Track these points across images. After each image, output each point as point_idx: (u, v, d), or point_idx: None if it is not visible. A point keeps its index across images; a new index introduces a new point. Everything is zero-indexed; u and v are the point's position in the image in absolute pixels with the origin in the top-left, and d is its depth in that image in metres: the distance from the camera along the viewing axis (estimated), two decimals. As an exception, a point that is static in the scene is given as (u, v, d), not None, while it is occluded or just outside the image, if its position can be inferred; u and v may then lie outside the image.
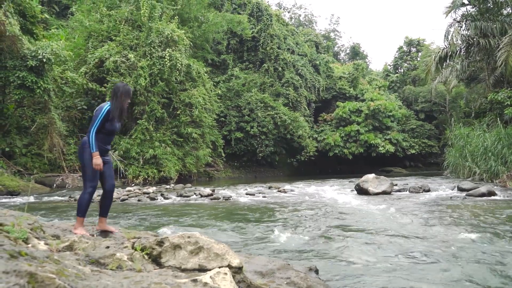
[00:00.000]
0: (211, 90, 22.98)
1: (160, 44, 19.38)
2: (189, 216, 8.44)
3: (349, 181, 17.29)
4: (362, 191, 12.76)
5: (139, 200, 11.80)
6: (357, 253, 5.00)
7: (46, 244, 3.05)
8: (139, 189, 13.94)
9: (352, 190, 13.67)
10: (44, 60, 14.79)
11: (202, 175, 23.13)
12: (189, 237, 3.27)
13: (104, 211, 4.22)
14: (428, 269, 4.28)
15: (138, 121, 18.70)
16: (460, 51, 21.27)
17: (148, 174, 17.83)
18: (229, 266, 3.12)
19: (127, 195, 12.55)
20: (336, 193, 13.42)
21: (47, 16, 20.67)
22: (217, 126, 24.87)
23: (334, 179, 18.97)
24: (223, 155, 24.54)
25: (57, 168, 16.81)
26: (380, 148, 31.95)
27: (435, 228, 6.56)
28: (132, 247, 3.36)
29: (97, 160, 4.00)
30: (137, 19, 20.10)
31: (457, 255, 4.78)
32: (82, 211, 4.00)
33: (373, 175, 13.31)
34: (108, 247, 3.25)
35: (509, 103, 16.15)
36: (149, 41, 19.21)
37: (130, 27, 20.21)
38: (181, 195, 12.71)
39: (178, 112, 19.98)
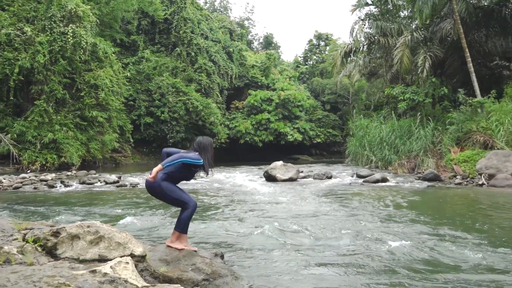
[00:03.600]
0: (119, 72, 21.92)
1: (62, 18, 17.84)
2: (92, 205, 8.04)
3: (259, 168, 17.77)
4: (270, 178, 13.26)
5: (35, 188, 10.91)
6: (263, 239, 5.19)
7: None
8: (36, 176, 12.86)
9: (260, 177, 14.12)
10: None
11: (108, 161, 22.13)
12: (88, 226, 3.13)
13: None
14: (326, 250, 4.60)
15: (35, 102, 17.13)
16: (363, 48, 22.82)
17: (46, 159, 16.49)
18: (132, 255, 3.06)
19: (21, 182, 11.51)
20: (245, 180, 13.75)
21: None
22: (125, 110, 23.86)
23: (244, 166, 19.36)
24: (131, 140, 23.79)
25: None
26: (289, 137, 33.25)
27: (332, 212, 7.06)
28: (24, 239, 3.12)
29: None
30: (35, -11, 18.27)
31: (345, 233, 5.21)
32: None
33: (281, 162, 13.87)
34: (-6, 239, 2.97)
35: (402, 98, 17.72)
36: (50, 15, 17.60)
37: (27, -3, 18.30)
38: (83, 182, 12.10)
39: (82, 94, 18.69)
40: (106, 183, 12.12)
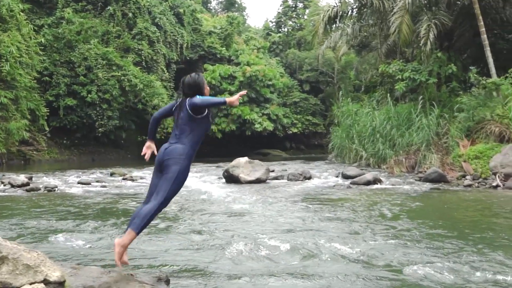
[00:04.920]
0: (30, 37, 21.64)
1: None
2: (-8, 215, 7.82)
3: (217, 166, 17.82)
4: (232, 178, 13.34)
5: None
6: (223, 261, 5.20)
7: None
8: None
9: (219, 178, 14.25)
10: None
11: (15, 157, 21.77)
12: (-14, 244, 3.04)
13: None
14: (313, 280, 4.67)
15: None
16: (352, 12, 23.15)
17: None
18: (46, 281, 3.00)
19: None
20: (199, 181, 13.84)
21: None
22: (39, 89, 23.33)
23: (199, 163, 19.30)
24: (47, 129, 23.52)
25: None
26: (257, 126, 33.40)
27: (314, 225, 7.17)
28: None
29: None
30: None
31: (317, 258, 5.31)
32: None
33: (245, 159, 13.96)
34: None
35: (400, 77, 18.10)
36: None
37: None
38: (-20, 185, 11.83)
39: (-22, 66, 18.19)
40: (12, 186, 11.85)
